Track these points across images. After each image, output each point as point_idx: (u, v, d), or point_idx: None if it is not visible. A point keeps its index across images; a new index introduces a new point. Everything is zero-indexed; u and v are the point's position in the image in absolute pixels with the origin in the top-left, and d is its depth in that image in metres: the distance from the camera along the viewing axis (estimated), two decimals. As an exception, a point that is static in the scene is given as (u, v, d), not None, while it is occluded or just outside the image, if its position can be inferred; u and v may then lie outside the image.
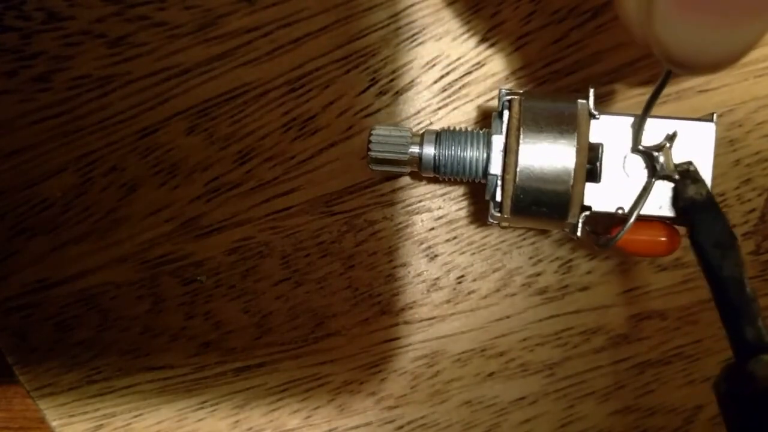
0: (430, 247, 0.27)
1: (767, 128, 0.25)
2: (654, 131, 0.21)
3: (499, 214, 0.22)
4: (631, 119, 0.22)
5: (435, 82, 0.25)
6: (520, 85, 0.25)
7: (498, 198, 0.22)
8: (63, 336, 0.28)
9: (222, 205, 0.26)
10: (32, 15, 0.25)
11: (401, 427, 0.28)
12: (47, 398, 0.28)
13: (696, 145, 0.21)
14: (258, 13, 0.25)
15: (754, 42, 0.15)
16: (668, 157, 0.21)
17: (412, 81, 0.25)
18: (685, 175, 0.21)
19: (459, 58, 0.25)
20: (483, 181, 0.23)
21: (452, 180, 0.24)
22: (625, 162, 0.22)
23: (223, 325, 0.27)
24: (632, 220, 0.21)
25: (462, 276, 0.27)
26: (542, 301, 0.27)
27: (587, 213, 0.22)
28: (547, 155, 0.21)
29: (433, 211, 0.26)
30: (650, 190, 0.21)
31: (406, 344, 0.27)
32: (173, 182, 0.26)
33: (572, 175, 0.20)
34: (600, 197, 0.22)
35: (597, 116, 0.21)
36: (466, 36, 0.25)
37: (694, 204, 0.21)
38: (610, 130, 0.22)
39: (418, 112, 0.26)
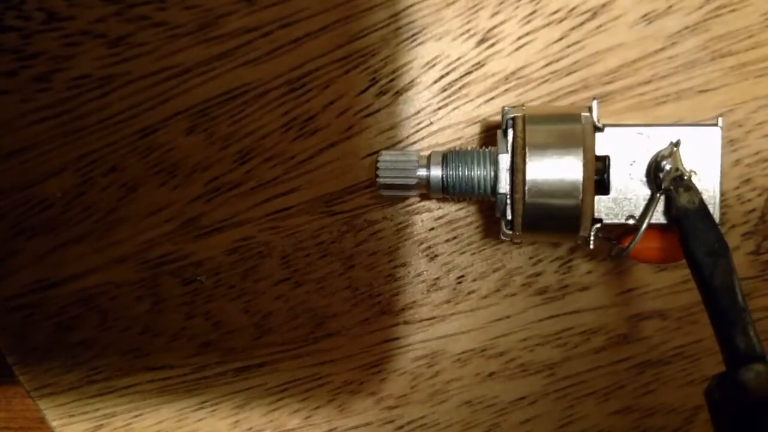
0: (430, 247, 0.27)
1: (767, 128, 0.25)
2: (659, 139, 0.21)
3: (510, 232, 0.22)
4: (636, 129, 0.22)
5: (435, 82, 0.25)
6: (520, 84, 0.25)
7: (509, 216, 0.22)
8: (63, 336, 0.28)
9: (222, 205, 0.26)
10: (32, 15, 0.25)
11: (401, 427, 0.28)
12: (47, 398, 0.28)
13: (702, 150, 0.21)
14: (258, 13, 0.25)
15: None
16: (678, 163, 0.21)
17: (412, 81, 0.25)
18: (678, 183, 0.21)
19: (459, 58, 0.25)
20: (493, 199, 0.23)
21: (462, 199, 0.24)
22: (632, 171, 0.22)
23: (223, 325, 0.27)
24: (642, 230, 0.21)
25: (462, 276, 0.27)
26: (542, 301, 0.27)
27: (598, 225, 0.22)
28: (554, 171, 0.21)
29: (433, 211, 0.26)
30: (659, 198, 0.21)
31: (406, 344, 0.27)
32: (173, 182, 0.26)
33: (580, 189, 0.20)
34: (610, 208, 0.22)
35: (602, 128, 0.21)
36: (466, 36, 0.25)
37: (687, 212, 0.20)
38: (615, 142, 0.22)
39: (418, 112, 0.26)
